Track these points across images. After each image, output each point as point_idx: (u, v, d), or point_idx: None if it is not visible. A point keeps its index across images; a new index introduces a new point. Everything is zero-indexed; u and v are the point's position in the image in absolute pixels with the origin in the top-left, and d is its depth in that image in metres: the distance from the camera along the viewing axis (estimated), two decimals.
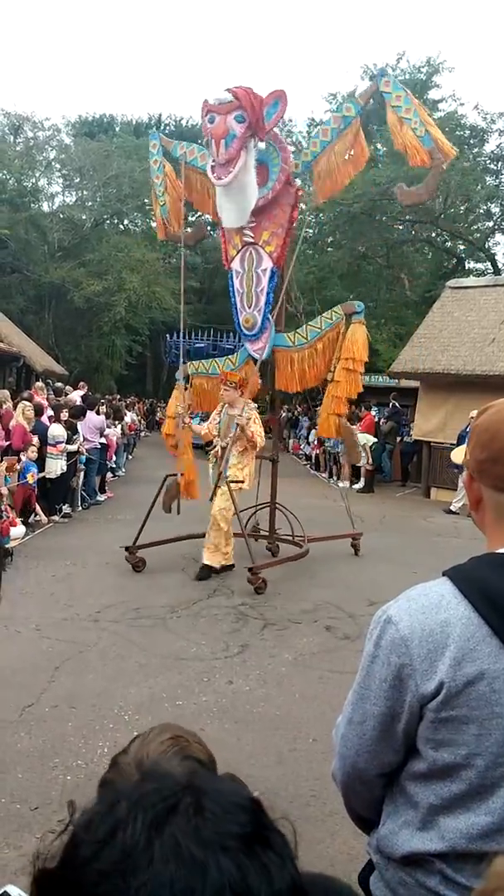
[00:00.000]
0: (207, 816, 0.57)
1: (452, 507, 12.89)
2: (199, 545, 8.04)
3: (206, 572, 7.58)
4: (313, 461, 20.10)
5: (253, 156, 6.97)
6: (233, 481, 7.50)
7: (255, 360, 7.84)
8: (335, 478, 17.37)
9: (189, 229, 8.79)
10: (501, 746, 1.17)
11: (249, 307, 7.76)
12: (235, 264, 7.77)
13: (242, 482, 7.72)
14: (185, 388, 8.26)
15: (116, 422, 15.84)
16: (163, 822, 0.56)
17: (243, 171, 6.81)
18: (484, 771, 1.18)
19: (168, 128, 43.87)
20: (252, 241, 7.52)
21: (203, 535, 7.91)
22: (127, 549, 7.92)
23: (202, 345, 24.20)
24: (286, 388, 8.09)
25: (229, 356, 8.45)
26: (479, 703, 1.17)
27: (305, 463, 21.00)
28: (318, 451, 19.49)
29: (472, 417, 13.69)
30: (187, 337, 26.46)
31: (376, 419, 17.17)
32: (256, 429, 7.61)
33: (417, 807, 1.28)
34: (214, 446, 7.83)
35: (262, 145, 7.25)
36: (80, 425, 11.31)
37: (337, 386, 7.55)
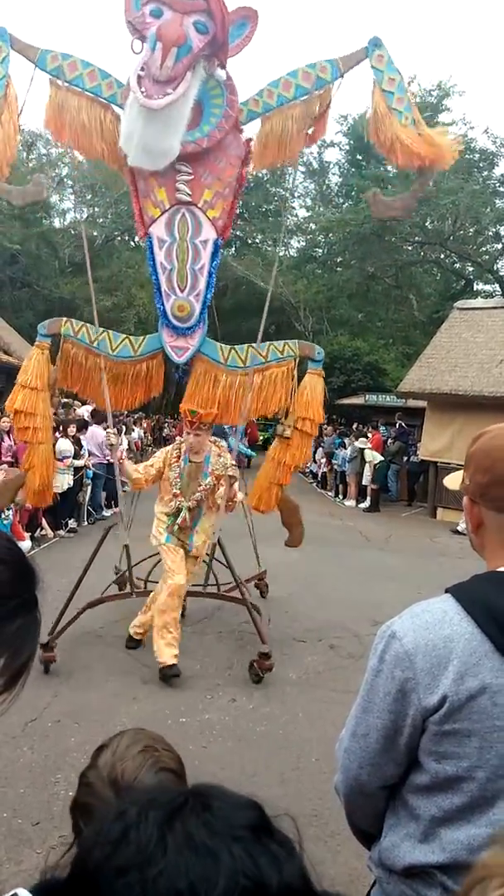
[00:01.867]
0: (216, 812, 0.59)
1: (459, 528, 12.85)
2: None
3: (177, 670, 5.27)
4: (319, 479, 20.10)
5: (198, 84, 5.23)
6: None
7: (172, 361, 5.98)
8: (341, 496, 17.37)
9: (16, 186, 6.22)
10: (502, 759, 1.19)
11: (183, 290, 5.78)
12: (159, 229, 5.67)
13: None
14: (48, 355, 5.97)
15: (124, 437, 15.87)
16: (174, 818, 0.57)
17: (183, 99, 5.07)
18: (485, 783, 1.20)
19: None
20: (189, 199, 5.56)
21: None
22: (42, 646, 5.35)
23: None
24: (195, 410, 5.82)
25: (129, 336, 6.14)
26: (481, 717, 1.19)
27: (311, 481, 21.00)
28: (325, 470, 19.49)
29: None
30: None
31: (384, 438, 17.19)
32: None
33: (419, 819, 1.29)
34: (175, 510, 5.78)
35: (220, 73, 5.46)
36: (83, 440, 11.34)
37: (286, 450, 6.06)
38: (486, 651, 1.20)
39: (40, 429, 5.78)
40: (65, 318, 6.08)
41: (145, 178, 5.60)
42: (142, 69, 5.03)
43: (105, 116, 5.58)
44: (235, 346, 6.07)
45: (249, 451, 24.06)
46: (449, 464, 14.11)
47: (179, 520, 5.73)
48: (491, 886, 0.42)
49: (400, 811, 1.35)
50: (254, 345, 6.02)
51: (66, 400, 16.23)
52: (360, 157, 36.76)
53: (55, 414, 13.03)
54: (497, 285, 28.25)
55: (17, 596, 0.91)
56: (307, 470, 22.65)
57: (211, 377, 6.01)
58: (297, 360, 6.05)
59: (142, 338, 6.12)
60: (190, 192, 5.56)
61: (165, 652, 5.25)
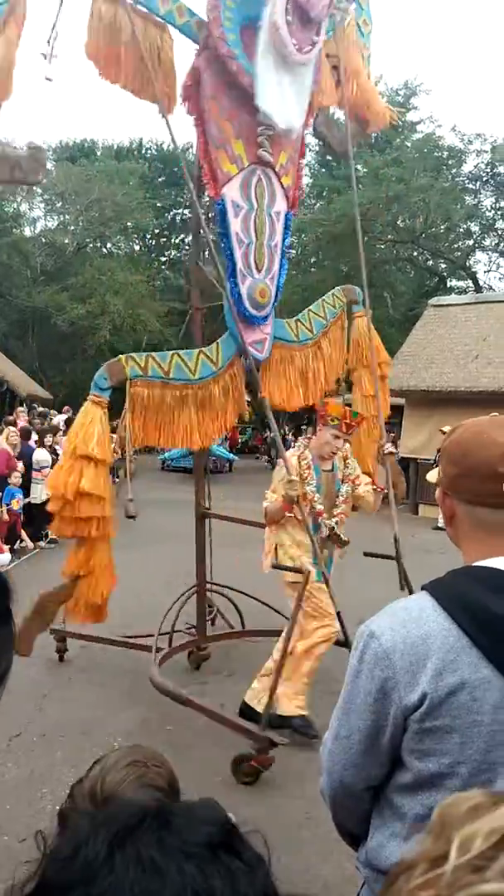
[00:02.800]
0: (173, 829, 0.58)
1: (439, 524, 12.92)
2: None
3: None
4: None
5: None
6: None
7: (253, 360, 4.76)
8: None
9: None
10: (484, 754, 1.19)
11: (260, 271, 4.66)
12: (233, 192, 4.47)
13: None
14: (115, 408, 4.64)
15: None
16: (126, 836, 0.57)
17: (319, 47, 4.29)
18: (468, 778, 1.20)
19: (149, 152, 44.27)
20: (270, 160, 4.47)
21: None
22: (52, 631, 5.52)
23: None
24: (281, 404, 5.20)
25: (202, 349, 4.76)
26: (461, 713, 1.19)
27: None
28: None
29: (442, 432, 13.79)
30: None
31: None
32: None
33: (404, 818, 1.29)
34: (319, 527, 4.79)
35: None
36: (59, 449, 11.24)
37: (371, 402, 5.35)
38: (463, 646, 1.19)
39: (108, 519, 4.54)
40: (124, 357, 4.60)
41: (219, 123, 4.36)
42: (288, 16, 4.05)
43: (163, 40, 4.53)
44: (297, 318, 5.23)
45: (230, 454, 24.02)
46: (428, 460, 14.19)
47: (322, 533, 4.79)
48: (415, 874, 0.41)
49: (385, 811, 1.35)
50: (310, 308, 5.31)
51: (42, 409, 16.14)
52: (330, 158, 36.95)
53: (29, 422, 12.97)
54: (470, 281, 28.50)
55: None
56: None
57: (287, 361, 5.11)
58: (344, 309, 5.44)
59: (215, 345, 4.80)
60: (271, 152, 4.45)
61: (296, 701, 4.54)
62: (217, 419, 4.81)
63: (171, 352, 4.71)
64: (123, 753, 1.42)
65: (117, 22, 4.28)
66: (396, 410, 17.06)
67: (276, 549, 4.85)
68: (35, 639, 4.62)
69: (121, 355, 4.67)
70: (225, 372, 4.76)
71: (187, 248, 47.24)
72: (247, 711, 4.54)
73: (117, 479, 19.26)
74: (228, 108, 4.33)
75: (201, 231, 5.23)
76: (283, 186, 4.67)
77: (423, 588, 1.31)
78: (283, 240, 4.82)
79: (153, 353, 4.66)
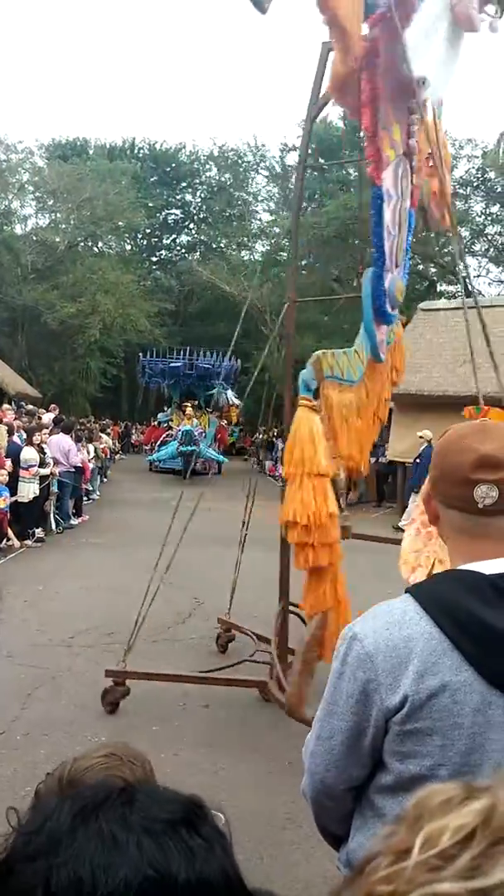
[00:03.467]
0: (137, 806, 0.60)
1: (401, 523, 13.24)
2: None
3: None
4: None
5: None
6: None
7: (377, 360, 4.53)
8: None
9: None
10: (464, 756, 1.20)
11: (398, 267, 4.43)
12: (388, 179, 4.04)
13: None
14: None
15: (90, 444, 15.74)
16: (91, 811, 0.59)
17: None
18: (448, 781, 1.20)
19: (142, 151, 44.20)
20: (415, 150, 4.26)
21: None
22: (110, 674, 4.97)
23: (178, 364, 24.11)
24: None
25: (355, 348, 4.44)
26: (442, 715, 1.20)
27: (281, 485, 21.01)
28: None
29: (420, 437, 13.85)
30: (161, 357, 26.27)
31: None
32: None
33: (385, 819, 1.30)
34: None
35: None
36: (46, 448, 11.20)
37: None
38: (444, 649, 1.20)
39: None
40: (320, 353, 4.21)
41: (386, 104, 3.83)
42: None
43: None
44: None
45: (221, 456, 23.89)
46: (408, 463, 14.25)
47: None
48: (380, 866, 0.41)
49: (366, 812, 1.36)
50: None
51: (30, 407, 16.07)
52: (322, 161, 37.02)
53: (17, 417, 12.91)
54: (459, 286, 28.61)
55: None
56: (276, 474, 22.67)
57: (387, 363, 4.78)
58: None
59: (357, 340, 4.54)
60: (417, 139, 4.12)
61: None
62: (373, 424, 4.61)
63: (341, 350, 4.37)
64: (104, 745, 1.43)
65: None
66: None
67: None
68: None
69: (317, 353, 4.21)
70: (366, 373, 4.49)
71: (178, 248, 47.26)
72: None
73: (105, 480, 19.26)
74: (393, 88, 3.84)
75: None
76: (411, 183, 4.38)
77: (406, 591, 1.32)
78: (409, 233, 4.50)
79: (332, 352, 4.29)
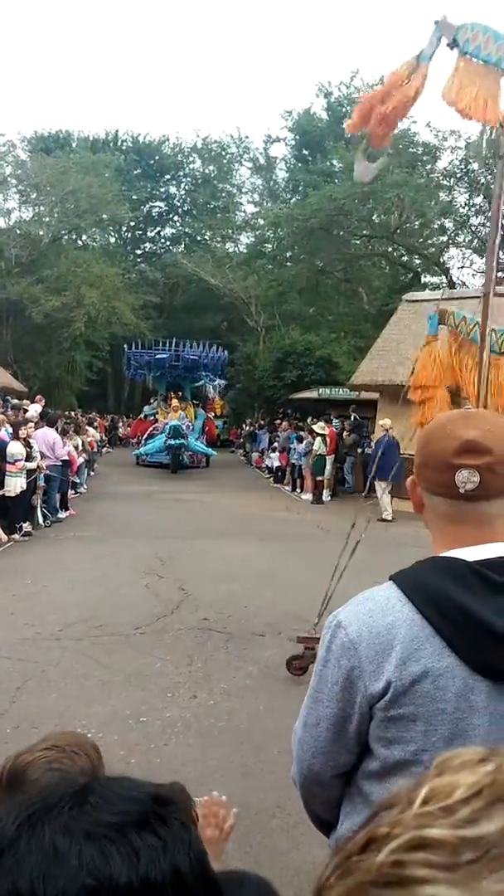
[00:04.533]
0: (85, 809, 0.60)
1: (385, 516, 13.46)
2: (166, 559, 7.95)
3: None
4: (277, 475, 20.12)
5: None
6: None
7: None
8: (298, 490, 17.47)
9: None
10: (447, 741, 1.21)
11: None
12: None
13: None
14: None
15: (77, 437, 15.68)
16: (38, 819, 0.58)
17: None
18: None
19: (125, 144, 43.94)
20: None
21: None
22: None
23: (164, 355, 23.85)
24: None
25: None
26: (425, 701, 1.22)
27: (268, 476, 21.08)
28: (280, 464, 19.56)
29: (381, 426, 13.91)
30: (147, 349, 25.98)
31: (338, 431, 17.33)
32: None
33: (373, 805, 1.31)
34: None
35: None
36: (33, 441, 11.16)
37: None
38: (426, 636, 1.22)
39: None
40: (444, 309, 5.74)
41: None
42: None
43: (495, 83, 4.89)
44: None
45: (209, 449, 23.78)
46: (402, 455, 14.31)
47: None
48: (392, 813, 0.44)
49: (355, 798, 1.38)
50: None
51: (15, 401, 16.01)
52: (306, 152, 36.98)
53: (4, 413, 12.85)
54: (444, 277, 28.69)
55: None
56: (264, 465, 22.71)
57: None
58: None
59: None
60: None
61: None
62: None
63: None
64: (47, 737, 1.41)
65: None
66: (371, 405, 17.19)
67: None
68: None
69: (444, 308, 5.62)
70: None
71: (163, 240, 47.09)
72: None
73: (93, 473, 19.21)
74: None
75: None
76: None
77: (390, 578, 1.34)
78: None
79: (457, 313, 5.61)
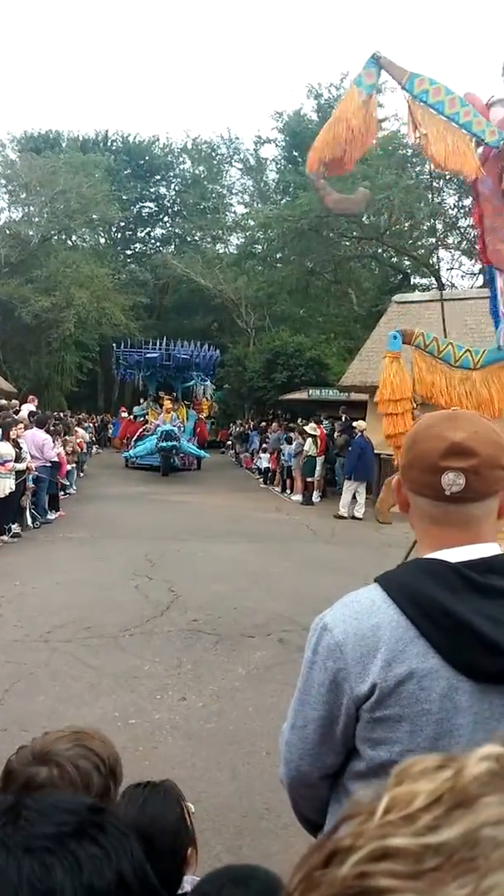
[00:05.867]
0: (21, 824, 0.59)
1: (341, 511, 13.90)
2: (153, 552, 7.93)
3: None
4: (266, 476, 20.10)
5: None
6: None
7: None
8: (289, 491, 17.48)
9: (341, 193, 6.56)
10: (432, 741, 1.22)
11: None
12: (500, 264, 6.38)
13: None
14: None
15: (66, 437, 15.62)
16: None
17: None
18: None
19: (115, 144, 43.89)
20: None
21: None
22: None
23: (154, 355, 23.44)
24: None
25: (468, 348, 6.37)
26: (410, 702, 1.22)
27: (258, 477, 21.07)
28: (270, 465, 19.55)
29: (356, 427, 14.02)
30: (137, 348, 25.61)
31: (327, 432, 17.35)
32: None
33: None
34: None
35: None
36: (22, 442, 11.11)
37: None
38: (411, 637, 1.23)
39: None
40: (413, 332, 6.29)
41: (493, 218, 6.01)
42: None
43: (464, 139, 5.84)
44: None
45: (200, 451, 23.53)
46: (392, 455, 14.35)
47: None
48: (353, 825, 0.44)
49: (342, 798, 1.38)
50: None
51: (3, 402, 15.94)
52: (296, 154, 37.00)
53: None
54: (433, 278, 28.76)
55: None
56: (254, 466, 22.70)
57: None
58: None
59: (482, 350, 6.34)
60: None
61: None
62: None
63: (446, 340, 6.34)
64: (72, 726, 1.48)
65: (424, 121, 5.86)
66: (361, 406, 17.21)
67: None
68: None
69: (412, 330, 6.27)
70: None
71: (153, 241, 47.05)
72: None
73: (82, 475, 19.15)
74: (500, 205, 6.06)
75: None
76: None
77: (374, 580, 1.34)
78: None
79: (427, 335, 6.30)
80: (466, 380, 6.31)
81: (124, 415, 28.47)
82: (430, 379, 6.21)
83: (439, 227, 27.52)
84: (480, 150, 5.96)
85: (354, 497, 14.09)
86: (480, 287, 21.15)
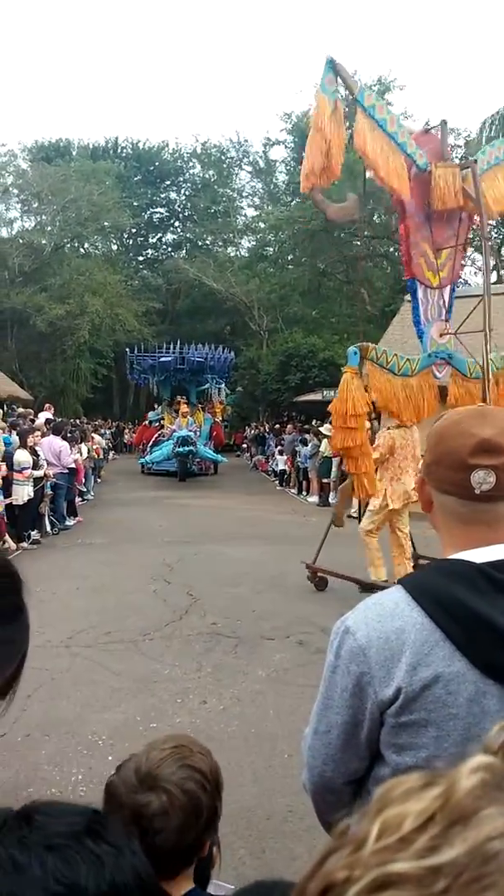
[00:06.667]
0: (36, 825, 0.59)
1: (353, 513, 13.47)
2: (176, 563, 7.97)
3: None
4: (282, 478, 20.09)
5: None
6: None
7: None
8: (305, 493, 17.46)
9: (337, 203, 7.45)
10: (459, 746, 1.19)
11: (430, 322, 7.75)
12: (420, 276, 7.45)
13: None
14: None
15: (82, 444, 15.70)
16: None
17: None
18: None
19: (125, 151, 44.07)
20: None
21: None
22: (307, 565, 7.89)
23: (168, 358, 23.26)
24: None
25: (408, 358, 7.31)
26: (436, 706, 1.20)
27: (274, 479, 21.05)
28: (286, 468, 19.52)
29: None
30: (150, 353, 25.43)
31: None
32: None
33: None
34: None
35: None
36: (39, 450, 11.19)
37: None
38: (436, 640, 1.20)
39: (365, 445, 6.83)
40: (365, 345, 6.93)
41: (414, 234, 7.10)
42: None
43: (400, 159, 6.55)
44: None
45: (217, 455, 23.18)
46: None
47: None
48: (342, 855, 0.42)
49: (367, 804, 1.36)
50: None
51: (21, 410, 16.05)
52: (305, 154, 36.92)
53: (3, 420, 12.87)
54: None
55: None
56: (269, 469, 22.67)
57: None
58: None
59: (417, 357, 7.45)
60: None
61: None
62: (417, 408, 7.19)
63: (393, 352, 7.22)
64: (169, 736, 1.48)
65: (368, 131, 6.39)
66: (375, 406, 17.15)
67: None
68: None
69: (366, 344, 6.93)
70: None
71: (164, 246, 47.19)
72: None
73: (99, 480, 19.21)
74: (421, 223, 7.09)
75: None
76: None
77: (398, 582, 1.32)
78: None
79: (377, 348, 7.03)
80: (406, 386, 7.06)
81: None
82: (380, 386, 6.89)
83: None
84: (413, 170, 6.67)
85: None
86: (495, 283, 21.03)
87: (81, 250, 37.83)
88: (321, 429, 16.63)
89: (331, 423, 7.25)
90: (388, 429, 7.67)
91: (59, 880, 0.54)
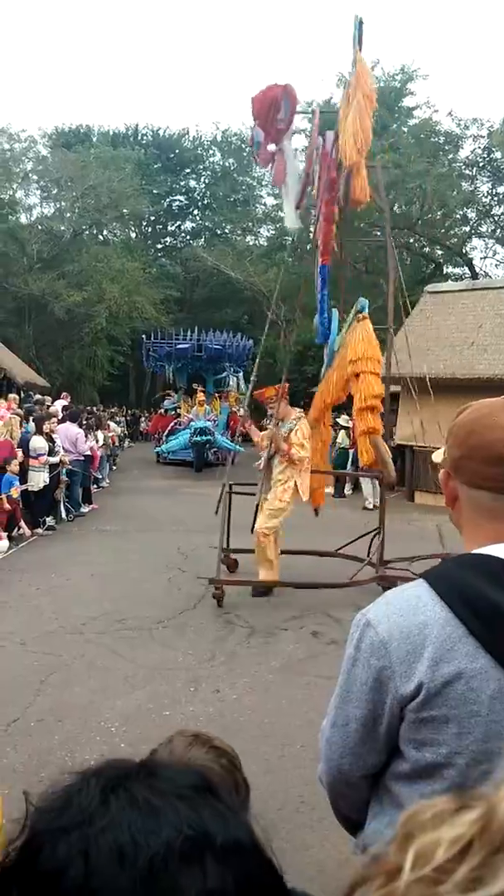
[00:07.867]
0: (161, 776, 0.61)
1: (367, 504, 14.02)
2: (195, 555, 7.97)
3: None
4: None
5: None
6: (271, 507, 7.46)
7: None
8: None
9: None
10: (481, 744, 1.17)
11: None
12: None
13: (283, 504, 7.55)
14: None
15: (98, 432, 15.72)
16: (117, 784, 0.59)
17: None
18: (465, 769, 1.19)
19: (145, 138, 43.95)
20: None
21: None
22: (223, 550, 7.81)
23: (185, 345, 22.72)
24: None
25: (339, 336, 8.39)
26: (458, 703, 1.18)
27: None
28: None
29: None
30: (167, 340, 25.05)
31: None
32: (295, 442, 7.41)
33: (402, 807, 1.27)
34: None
35: None
36: (55, 437, 11.21)
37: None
38: (459, 636, 1.18)
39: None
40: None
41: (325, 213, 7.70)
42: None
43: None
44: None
45: (236, 446, 22.71)
46: (424, 447, 14.21)
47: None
48: (373, 889, 0.39)
49: (383, 799, 1.34)
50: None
51: (38, 396, 16.09)
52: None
53: (18, 407, 12.90)
54: (466, 268, 28.41)
55: None
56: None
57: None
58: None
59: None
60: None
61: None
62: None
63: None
64: (185, 731, 1.52)
65: None
66: (393, 398, 17.04)
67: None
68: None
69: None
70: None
71: (183, 234, 47.09)
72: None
73: (114, 468, 19.23)
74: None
75: None
76: None
77: (420, 576, 1.29)
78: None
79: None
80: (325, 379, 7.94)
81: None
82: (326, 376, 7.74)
83: (472, 215, 27.14)
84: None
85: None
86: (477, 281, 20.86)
87: (100, 237, 37.82)
88: (338, 420, 16.54)
89: (359, 400, 7.37)
90: (299, 419, 7.69)
91: (191, 825, 0.56)
